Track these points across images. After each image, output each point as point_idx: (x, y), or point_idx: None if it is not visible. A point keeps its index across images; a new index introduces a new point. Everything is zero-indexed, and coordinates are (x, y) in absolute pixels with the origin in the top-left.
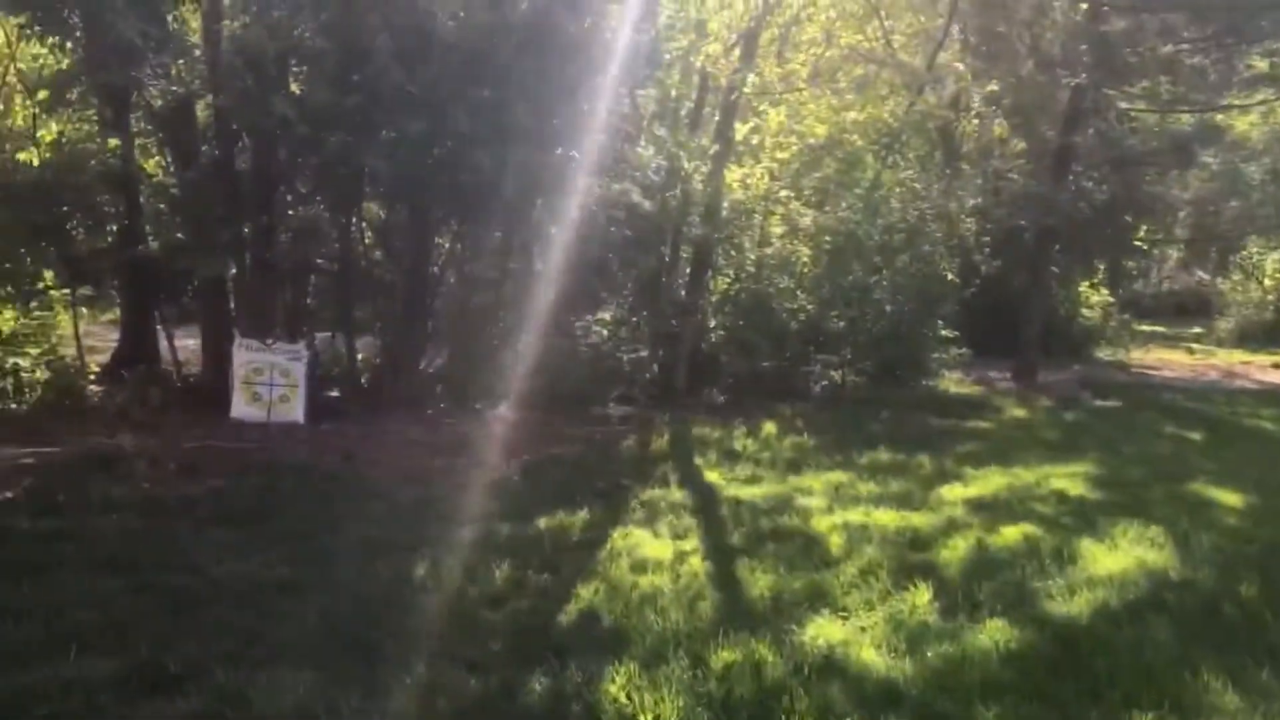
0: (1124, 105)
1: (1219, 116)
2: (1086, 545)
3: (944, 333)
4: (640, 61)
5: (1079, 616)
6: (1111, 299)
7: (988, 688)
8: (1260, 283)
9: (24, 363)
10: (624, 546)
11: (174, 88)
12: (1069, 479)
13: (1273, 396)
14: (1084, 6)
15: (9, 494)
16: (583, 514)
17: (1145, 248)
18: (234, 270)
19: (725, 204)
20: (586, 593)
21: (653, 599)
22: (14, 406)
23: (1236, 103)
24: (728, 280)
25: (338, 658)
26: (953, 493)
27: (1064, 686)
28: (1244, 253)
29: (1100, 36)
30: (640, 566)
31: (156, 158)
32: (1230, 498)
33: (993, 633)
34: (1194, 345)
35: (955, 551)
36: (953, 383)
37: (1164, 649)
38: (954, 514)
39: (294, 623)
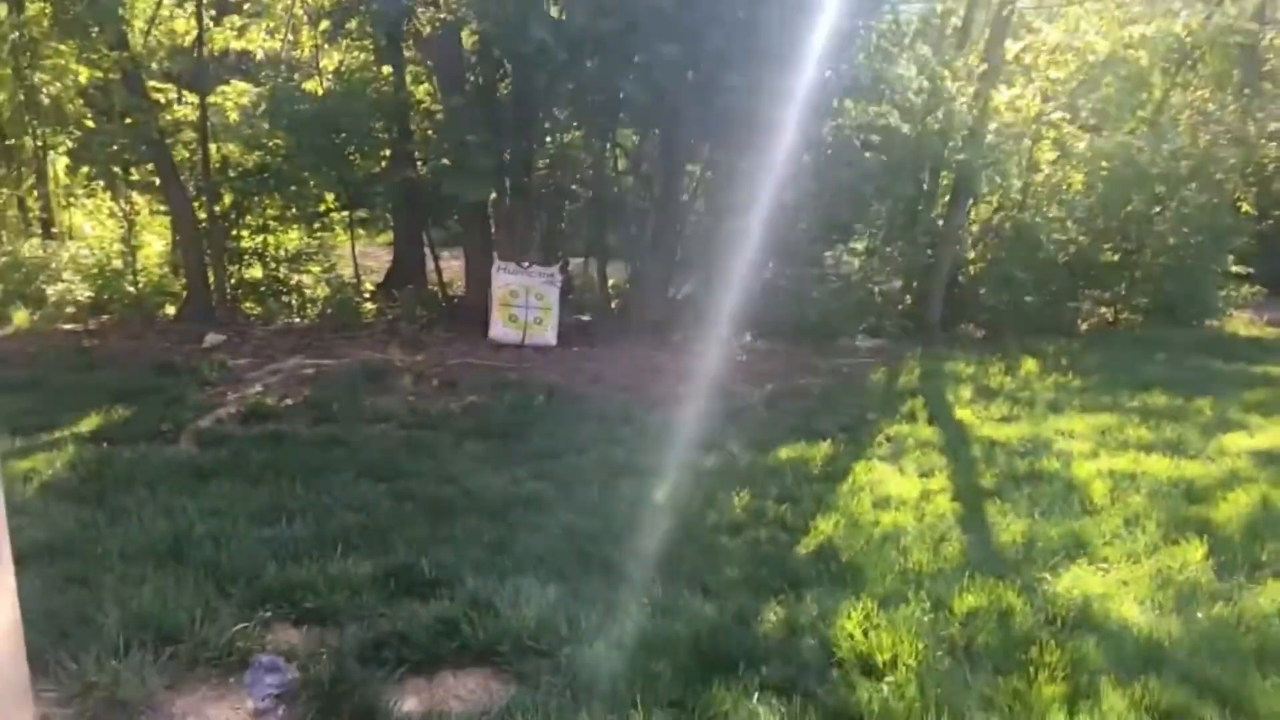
0: None
1: None
2: None
3: (1234, 269)
4: None
5: None
6: None
7: (1265, 655)
8: None
9: (307, 279)
10: (866, 481)
11: (441, 15)
12: None
13: None
14: None
15: (290, 401)
16: (825, 446)
17: None
18: (494, 195)
19: (991, 127)
20: (826, 526)
21: (895, 537)
22: (297, 320)
23: None
24: (990, 209)
25: (579, 574)
26: (1236, 443)
27: None
28: None
29: None
30: (883, 503)
31: (426, 85)
32: None
33: (1274, 595)
34: None
35: (1236, 506)
36: (1242, 324)
37: None
38: (1236, 466)
39: (540, 536)
